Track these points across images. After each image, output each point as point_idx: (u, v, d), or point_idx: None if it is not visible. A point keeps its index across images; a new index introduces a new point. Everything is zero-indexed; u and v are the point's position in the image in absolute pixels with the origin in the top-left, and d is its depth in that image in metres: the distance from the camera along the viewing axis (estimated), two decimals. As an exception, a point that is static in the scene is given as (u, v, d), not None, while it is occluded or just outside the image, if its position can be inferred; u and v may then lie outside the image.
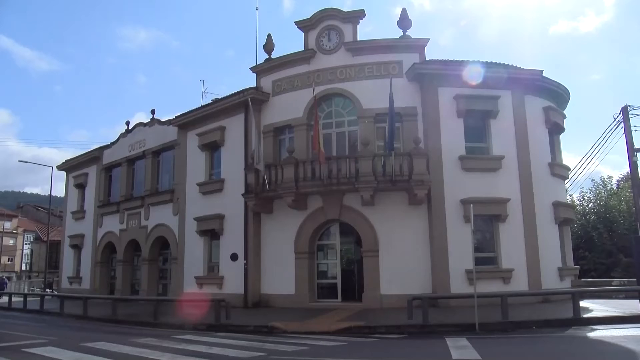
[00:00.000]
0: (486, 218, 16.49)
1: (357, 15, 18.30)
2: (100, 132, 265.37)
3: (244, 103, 18.92)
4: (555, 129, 19.23)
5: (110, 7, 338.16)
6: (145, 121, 25.46)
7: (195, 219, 20.76)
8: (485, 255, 16.27)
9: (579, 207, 30.05)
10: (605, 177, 33.79)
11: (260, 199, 17.86)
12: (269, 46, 19.72)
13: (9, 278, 42.99)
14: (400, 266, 16.07)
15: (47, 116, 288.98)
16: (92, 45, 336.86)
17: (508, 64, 17.82)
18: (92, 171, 28.47)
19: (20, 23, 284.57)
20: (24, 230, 63.40)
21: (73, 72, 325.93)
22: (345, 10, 18.63)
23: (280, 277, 17.74)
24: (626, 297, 17.02)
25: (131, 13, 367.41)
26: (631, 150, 18.26)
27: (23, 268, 59.46)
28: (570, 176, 21.37)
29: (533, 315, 12.59)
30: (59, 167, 31.53)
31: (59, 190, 45.28)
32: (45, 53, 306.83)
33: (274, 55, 19.56)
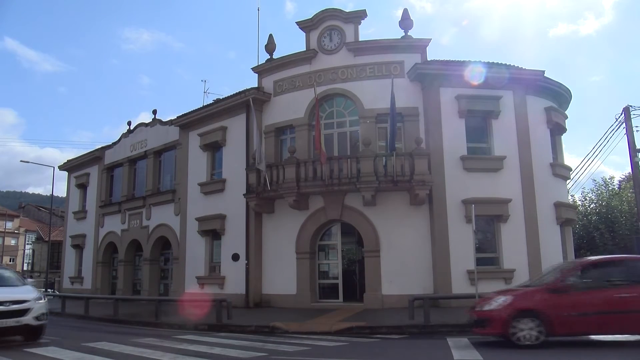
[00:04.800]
0: (487, 218, 16.49)
1: (358, 16, 18.29)
2: (104, 133, 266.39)
3: (246, 103, 18.94)
4: (557, 130, 19.20)
5: (114, 9, 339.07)
6: (147, 121, 25.50)
7: (196, 219, 20.77)
8: (487, 256, 16.26)
9: (580, 208, 29.97)
10: (607, 177, 33.75)
11: (262, 199, 17.87)
12: (270, 46, 19.72)
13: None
14: (402, 266, 16.08)
15: (50, 117, 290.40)
16: (95, 47, 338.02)
17: (509, 64, 17.79)
18: (94, 171, 28.50)
19: (25, 25, 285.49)
20: (26, 230, 63.60)
21: (77, 74, 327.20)
22: (347, 11, 18.63)
23: (282, 277, 17.75)
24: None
25: (134, 15, 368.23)
26: (633, 150, 18.18)
27: (25, 268, 59.56)
28: (572, 177, 21.33)
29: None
30: (61, 167, 31.56)
31: (61, 191, 45.49)
32: (50, 55, 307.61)
33: (276, 55, 19.56)
